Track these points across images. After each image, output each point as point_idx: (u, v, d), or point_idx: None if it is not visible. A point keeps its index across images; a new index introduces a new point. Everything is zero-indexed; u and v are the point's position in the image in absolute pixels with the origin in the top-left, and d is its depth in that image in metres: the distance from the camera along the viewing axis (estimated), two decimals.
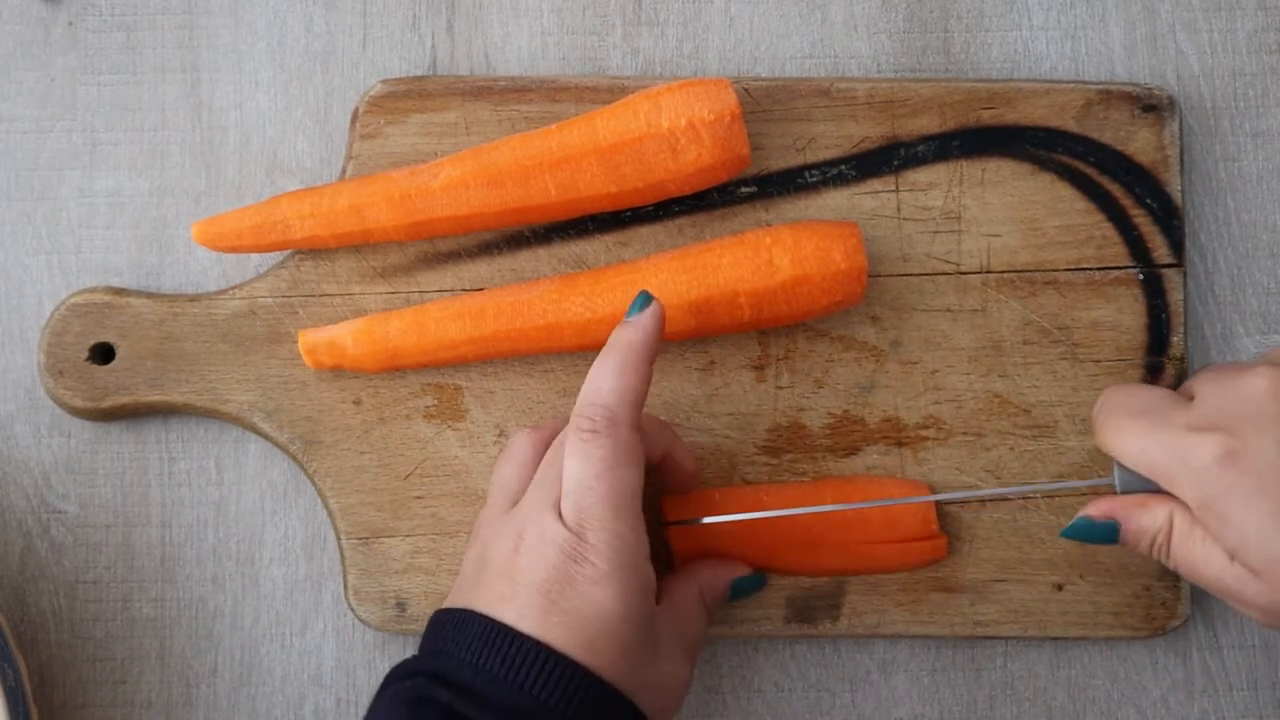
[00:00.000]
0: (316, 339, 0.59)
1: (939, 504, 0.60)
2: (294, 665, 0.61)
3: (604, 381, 0.52)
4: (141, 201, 0.63)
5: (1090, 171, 0.61)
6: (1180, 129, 0.62)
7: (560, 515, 0.50)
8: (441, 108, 0.61)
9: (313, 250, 0.61)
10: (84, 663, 0.61)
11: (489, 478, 0.60)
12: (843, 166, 0.61)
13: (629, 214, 0.61)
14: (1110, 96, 0.62)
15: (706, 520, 0.57)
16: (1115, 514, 0.53)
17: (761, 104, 0.61)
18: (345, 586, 0.60)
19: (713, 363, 0.61)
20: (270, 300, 0.61)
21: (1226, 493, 0.49)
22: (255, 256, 0.62)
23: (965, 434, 0.61)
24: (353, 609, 0.60)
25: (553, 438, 0.56)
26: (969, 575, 0.60)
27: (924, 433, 0.61)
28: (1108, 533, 0.53)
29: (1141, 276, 0.61)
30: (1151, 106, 0.61)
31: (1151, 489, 0.52)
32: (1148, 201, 0.61)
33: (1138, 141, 0.61)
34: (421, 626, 0.59)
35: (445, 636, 0.50)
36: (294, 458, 0.60)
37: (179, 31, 0.63)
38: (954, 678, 0.61)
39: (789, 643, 0.62)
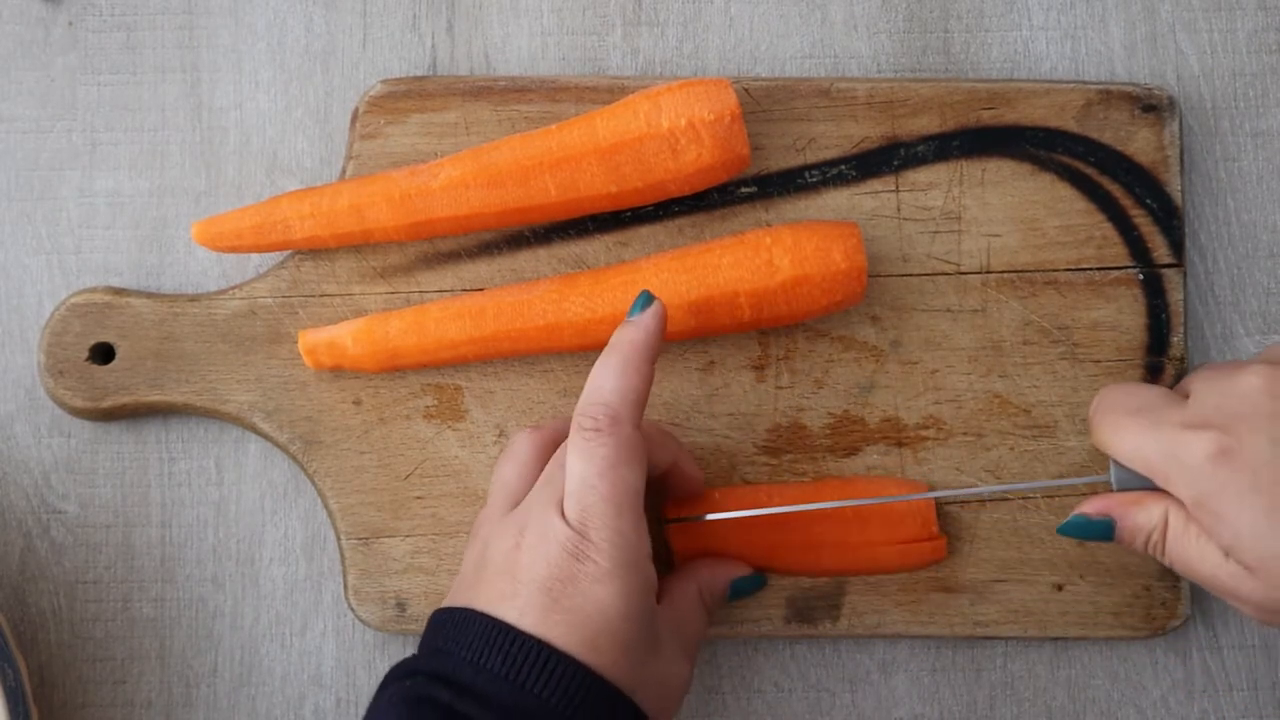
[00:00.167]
0: (316, 339, 0.59)
1: (939, 505, 0.60)
2: (294, 665, 0.61)
3: (606, 381, 0.52)
4: (141, 201, 0.63)
5: (1090, 171, 0.61)
6: (1180, 129, 0.62)
7: (563, 514, 0.50)
8: (441, 108, 0.61)
9: (313, 250, 0.61)
10: (84, 663, 0.61)
11: (489, 478, 0.60)
12: (843, 166, 0.61)
13: (629, 214, 0.61)
14: (1110, 96, 0.62)
15: (709, 517, 0.57)
16: (1110, 511, 0.53)
17: (761, 104, 0.61)
18: (345, 586, 0.60)
19: (713, 363, 0.61)
20: (270, 300, 0.61)
21: (1221, 490, 0.49)
22: (255, 256, 0.62)
23: (965, 434, 0.61)
24: (353, 609, 0.60)
25: (553, 438, 0.56)
26: (969, 575, 0.60)
27: (924, 433, 0.61)
28: (1103, 530, 0.53)
29: (1141, 276, 0.61)
30: (1151, 106, 0.61)
31: (1148, 487, 0.52)
32: (1148, 201, 0.61)
33: (1138, 141, 0.61)
34: (421, 626, 0.59)
35: (445, 635, 0.50)
36: (294, 458, 0.60)
37: (179, 31, 0.63)
38: (954, 678, 0.61)
39: (789, 643, 0.62)
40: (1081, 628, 0.60)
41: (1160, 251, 0.61)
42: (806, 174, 0.61)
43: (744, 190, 0.61)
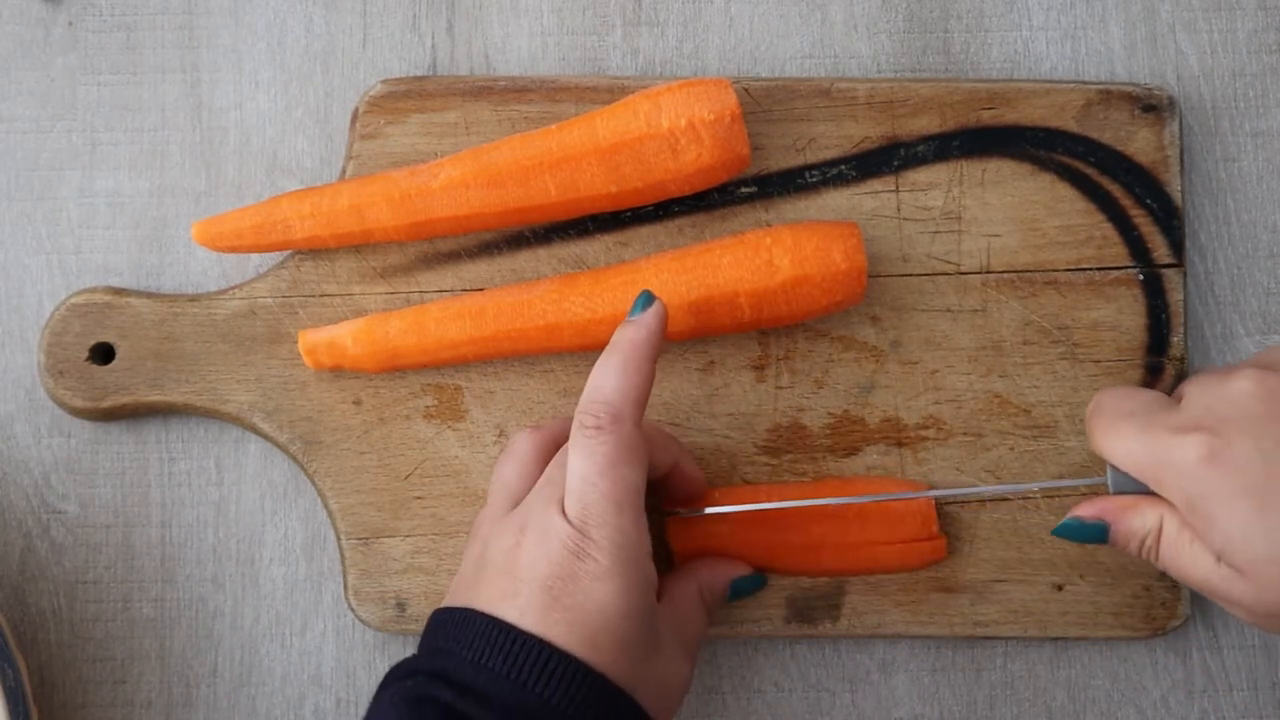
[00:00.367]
0: (316, 339, 0.59)
1: (939, 505, 0.60)
2: (294, 665, 0.61)
3: (607, 379, 0.52)
4: (141, 201, 0.63)
5: (1090, 171, 0.61)
6: (1180, 129, 0.62)
7: (564, 512, 0.50)
8: (441, 108, 0.61)
9: (313, 250, 0.61)
10: (84, 663, 0.61)
11: (489, 478, 0.60)
12: (843, 166, 0.61)
13: (629, 214, 0.61)
14: (1110, 97, 0.62)
15: (708, 510, 0.57)
16: (1104, 516, 0.53)
17: (761, 104, 0.61)
18: (345, 586, 0.60)
19: (713, 363, 0.61)
20: (270, 300, 0.61)
21: (1210, 493, 0.49)
22: (255, 256, 0.62)
23: (965, 434, 0.61)
24: (353, 609, 0.60)
25: (554, 438, 0.56)
26: (969, 575, 0.60)
27: (924, 433, 0.61)
28: (1098, 533, 0.53)
29: (1141, 276, 0.61)
30: (1151, 106, 0.61)
31: (1143, 490, 0.52)
32: (1148, 201, 0.61)
33: (1138, 141, 0.61)
34: (421, 626, 0.59)
35: (446, 635, 0.50)
36: (294, 458, 0.60)
37: (179, 32, 0.63)
38: (954, 678, 0.61)
39: (789, 643, 0.62)
40: (1081, 628, 0.60)
41: (1160, 251, 0.61)
42: (806, 174, 0.61)
43: (744, 190, 0.61)
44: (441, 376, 0.61)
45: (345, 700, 0.61)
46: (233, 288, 0.61)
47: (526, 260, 0.61)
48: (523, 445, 0.56)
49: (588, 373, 0.53)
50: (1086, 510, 0.53)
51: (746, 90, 0.61)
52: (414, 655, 0.52)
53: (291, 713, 0.61)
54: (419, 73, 0.64)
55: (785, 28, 0.64)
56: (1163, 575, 0.60)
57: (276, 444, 0.60)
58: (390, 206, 0.58)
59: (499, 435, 0.60)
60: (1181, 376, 0.61)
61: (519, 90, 0.61)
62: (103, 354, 0.60)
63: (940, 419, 0.61)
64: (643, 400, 0.52)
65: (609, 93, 0.61)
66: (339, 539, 0.60)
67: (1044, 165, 0.61)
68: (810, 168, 0.61)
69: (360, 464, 0.60)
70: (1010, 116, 0.62)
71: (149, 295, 0.61)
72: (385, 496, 0.60)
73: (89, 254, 0.62)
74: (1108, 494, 0.53)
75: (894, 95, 0.61)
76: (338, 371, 0.60)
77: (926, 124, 0.61)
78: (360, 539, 0.60)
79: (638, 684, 0.50)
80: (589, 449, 0.51)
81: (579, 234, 0.61)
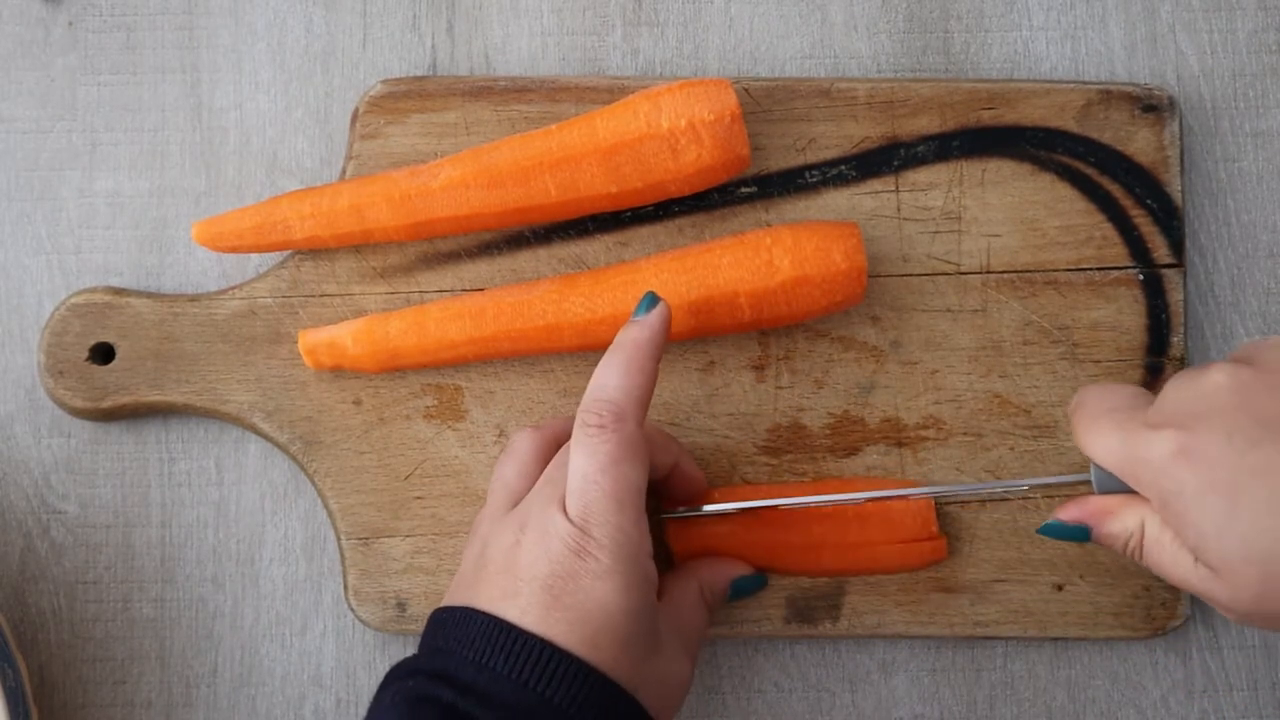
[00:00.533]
0: (316, 339, 0.59)
1: (939, 505, 0.60)
2: (294, 665, 0.61)
3: (610, 378, 0.52)
4: (141, 201, 0.63)
5: (1090, 172, 0.61)
6: (1180, 129, 0.62)
7: (564, 510, 0.50)
8: (441, 108, 0.61)
9: (313, 250, 0.61)
10: (84, 663, 0.61)
11: (489, 478, 0.59)
12: (843, 167, 0.61)
13: (629, 214, 0.61)
14: (1110, 97, 0.62)
15: (707, 508, 0.57)
16: (1084, 520, 0.52)
17: (761, 104, 0.61)
18: (345, 587, 0.60)
19: (713, 363, 0.61)
20: (270, 300, 0.61)
21: (1181, 490, 0.47)
22: (255, 257, 0.62)
23: (965, 434, 0.61)
24: (353, 609, 0.60)
25: (554, 437, 0.56)
26: (969, 575, 0.60)
27: (924, 433, 0.61)
28: (1082, 533, 0.52)
29: (1141, 277, 0.61)
30: (1151, 107, 0.61)
31: (1125, 488, 0.51)
32: (1148, 202, 0.61)
33: (1138, 142, 0.61)
34: (421, 626, 0.59)
35: (446, 635, 0.50)
36: (294, 458, 0.60)
37: (179, 32, 0.63)
38: (954, 678, 0.61)
39: (789, 643, 0.62)
40: (1081, 628, 0.60)
41: (1160, 251, 0.61)
42: (806, 174, 0.61)
43: (744, 190, 0.61)
44: (441, 376, 0.61)
45: (345, 700, 0.61)
46: (233, 288, 0.61)
47: (526, 260, 0.61)
48: (523, 444, 0.56)
49: (587, 373, 0.53)
50: (1067, 514, 0.52)
51: (746, 90, 0.61)
52: (414, 655, 0.52)
53: (291, 713, 0.61)
54: (419, 73, 0.64)
55: (785, 28, 0.64)
56: None
57: (276, 444, 0.60)
58: (390, 206, 0.58)
59: (499, 435, 0.60)
60: None
61: (519, 90, 0.61)
62: (103, 354, 0.60)
63: (940, 419, 0.61)
64: (646, 400, 0.52)
65: (609, 93, 0.61)
66: (339, 539, 0.60)
67: (1044, 165, 0.61)
68: (810, 168, 0.61)
69: (360, 464, 0.60)
70: (1010, 116, 0.62)
71: (149, 295, 0.61)
72: (385, 496, 0.60)
73: (89, 254, 0.62)
74: (1091, 492, 0.53)
75: (894, 95, 0.61)
76: (338, 371, 0.60)
77: (926, 124, 0.61)
78: (360, 539, 0.60)
79: (639, 683, 0.50)
80: (591, 447, 0.51)
81: (579, 234, 0.61)
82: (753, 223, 0.61)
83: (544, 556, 0.50)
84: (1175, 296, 0.61)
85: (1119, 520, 0.51)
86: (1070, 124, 0.61)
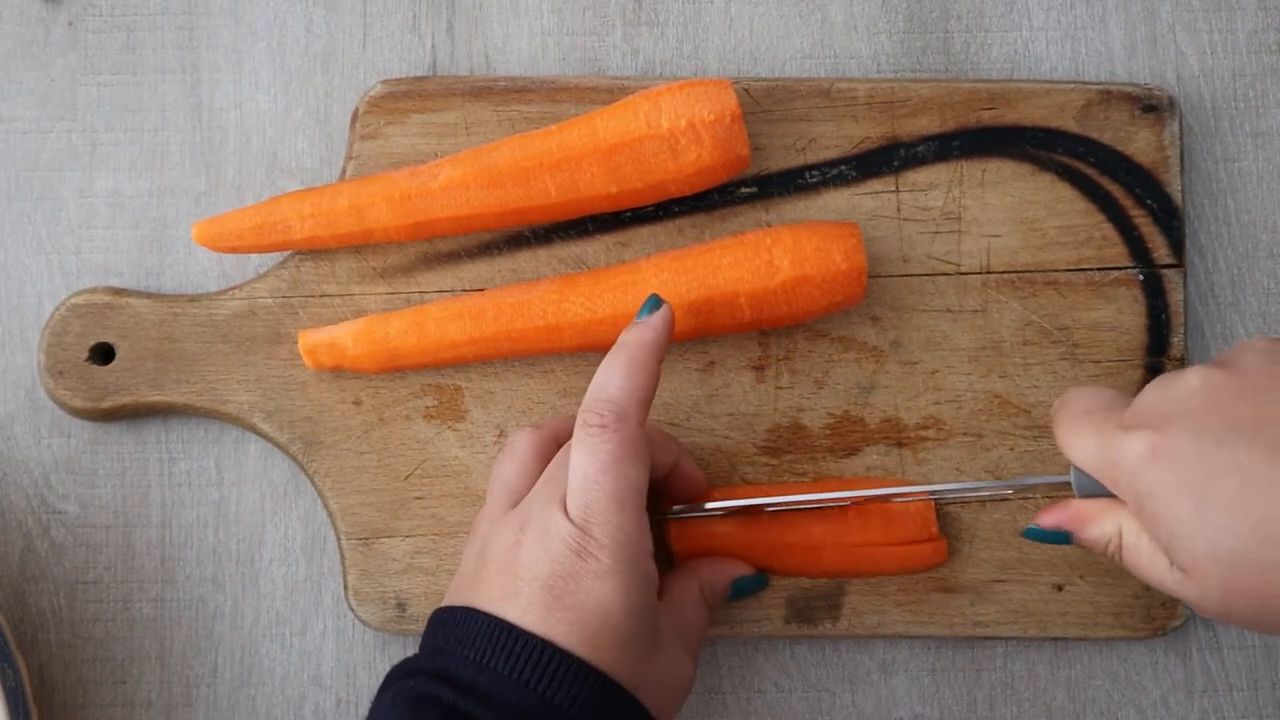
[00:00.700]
0: (316, 339, 0.59)
1: (939, 506, 0.60)
2: (294, 665, 0.61)
3: (613, 378, 0.52)
4: (141, 201, 0.63)
5: (1090, 172, 0.61)
6: (1180, 129, 0.62)
7: (565, 510, 0.50)
8: (441, 108, 0.61)
9: (313, 251, 0.61)
10: (84, 663, 0.61)
11: (489, 478, 0.59)
12: (843, 167, 0.61)
13: (629, 214, 0.61)
14: (1110, 97, 0.62)
15: (708, 506, 0.57)
16: (1064, 525, 0.52)
17: (761, 104, 0.61)
18: (345, 587, 0.60)
19: (713, 363, 0.61)
20: (270, 301, 0.61)
21: (1153, 491, 0.47)
22: (255, 257, 0.62)
23: (965, 434, 0.61)
24: (353, 609, 0.60)
25: (554, 437, 0.56)
26: (969, 576, 0.60)
27: (924, 433, 0.61)
28: (1063, 538, 0.52)
29: (1141, 277, 0.61)
30: (1151, 107, 0.61)
31: (1106, 491, 0.51)
32: (1148, 202, 0.61)
33: (1138, 142, 0.61)
34: (422, 627, 0.59)
35: (447, 635, 0.50)
36: (294, 458, 0.60)
37: (179, 32, 0.63)
38: (954, 678, 0.61)
39: (789, 643, 0.62)
40: (1081, 628, 0.60)
41: (1160, 252, 0.61)
42: (806, 174, 0.61)
43: (744, 190, 0.61)
44: (441, 377, 0.61)
45: (345, 700, 0.61)
46: (233, 288, 0.61)
47: (526, 260, 0.61)
48: (522, 444, 0.56)
49: (588, 373, 0.53)
50: (1047, 519, 0.52)
51: (746, 90, 0.61)
52: (415, 655, 0.52)
53: (291, 713, 0.61)
54: (419, 73, 0.64)
55: (785, 28, 0.64)
56: None
57: (276, 444, 0.60)
58: (390, 207, 0.58)
59: (499, 435, 0.60)
60: None
61: (519, 90, 0.61)
62: (103, 354, 0.60)
63: (940, 419, 0.61)
64: (647, 400, 0.52)
65: (609, 93, 0.61)
66: (339, 539, 0.60)
67: (1044, 165, 0.61)
68: (810, 168, 0.61)
69: (360, 464, 0.60)
70: (1010, 117, 0.62)
71: (149, 295, 0.61)
72: (385, 497, 0.60)
73: (89, 254, 0.62)
74: (1072, 494, 0.52)
75: (894, 95, 0.61)
76: (338, 372, 0.60)
77: (926, 124, 0.61)
78: (360, 539, 0.60)
79: (640, 683, 0.50)
80: (593, 447, 0.51)
81: (579, 234, 0.61)
82: (753, 223, 0.61)
83: (545, 556, 0.50)
84: (1175, 297, 0.61)
85: (1098, 525, 0.51)
86: (1070, 124, 0.61)
